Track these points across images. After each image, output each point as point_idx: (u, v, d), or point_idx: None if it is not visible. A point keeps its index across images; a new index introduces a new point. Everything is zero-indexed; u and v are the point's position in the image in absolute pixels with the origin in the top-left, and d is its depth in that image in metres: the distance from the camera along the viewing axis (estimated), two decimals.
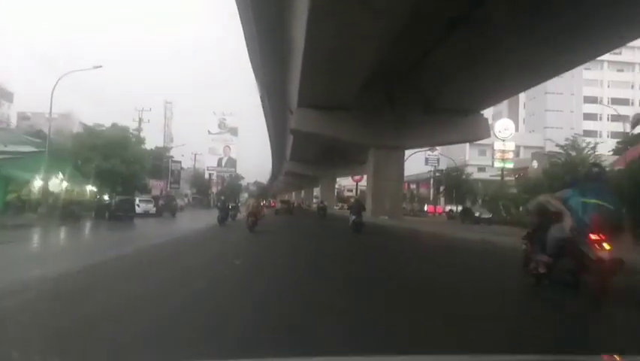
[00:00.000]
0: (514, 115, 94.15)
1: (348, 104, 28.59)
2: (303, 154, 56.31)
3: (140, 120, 43.20)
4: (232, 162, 77.27)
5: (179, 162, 61.85)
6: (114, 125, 33.14)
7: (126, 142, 32.16)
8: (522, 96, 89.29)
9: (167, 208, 31.36)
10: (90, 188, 28.48)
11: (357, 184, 75.12)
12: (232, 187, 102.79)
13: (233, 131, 76.59)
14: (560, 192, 6.35)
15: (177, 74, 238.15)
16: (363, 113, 29.43)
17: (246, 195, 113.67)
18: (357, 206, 20.37)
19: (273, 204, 64.56)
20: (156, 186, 45.12)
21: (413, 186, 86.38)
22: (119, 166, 28.84)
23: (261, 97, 44.80)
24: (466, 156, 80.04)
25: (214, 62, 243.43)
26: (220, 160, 76.50)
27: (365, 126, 30.06)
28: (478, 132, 33.87)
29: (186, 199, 63.49)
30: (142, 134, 41.08)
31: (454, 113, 30.90)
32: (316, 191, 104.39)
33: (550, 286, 6.27)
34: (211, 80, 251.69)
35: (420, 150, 47.81)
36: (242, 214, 24.18)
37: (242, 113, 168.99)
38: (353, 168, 61.61)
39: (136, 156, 32.85)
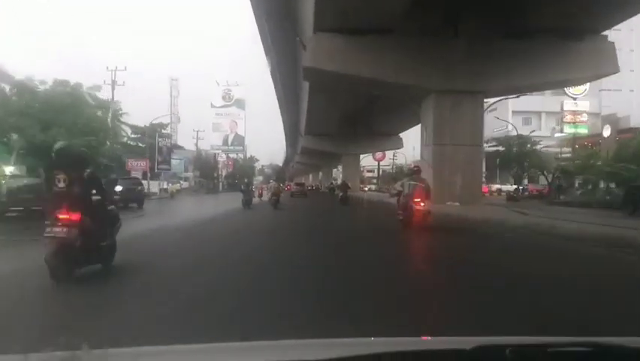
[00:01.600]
0: None
1: (391, 26, 19.95)
2: (321, 125, 47.59)
3: (114, 83, 34.00)
4: (240, 140, 67.99)
5: (169, 136, 52.78)
6: (57, 81, 23.76)
7: (77, 105, 22.96)
8: None
9: (129, 197, 21.99)
10: (12, 168, 19.64)
11: (378, 164, 65.64)
12: (245, 170, 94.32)
13: (240, 104, 67.11)
14: (403, 180, 16.09)
15: (175, 41, 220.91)
16: (415, 41, 20.45)
17: (260, 178, 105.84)
18: (344, 185, 30.01)
19: (289, 188, 55.93)
20: (137, 167, 36.17)
21: None
22: (63, 138, 19.57)
23: (268, 60, 35.88)
24: (508, 124, 69.32)
25: (216, 25, 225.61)
26: (226, 138, 67.36)
27: (418, 61, 20.50)
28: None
29: (183, 183, 54.65)
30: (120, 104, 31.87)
31: (558, 35, 21.15)
32: (335, 173, 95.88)
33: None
34: (213, 46, 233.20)
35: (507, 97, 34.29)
36: (256, 198, 24.82)
37: (250, 86, 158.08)
38: (381, 142, 52.23)
39: (92, 125, 23.69)
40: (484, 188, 52.18)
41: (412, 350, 1.07)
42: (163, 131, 57.67)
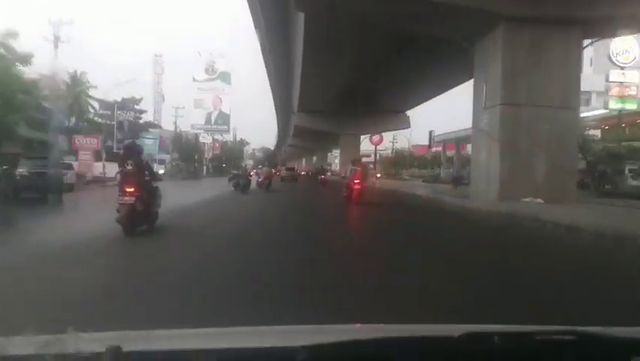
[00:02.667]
0: None
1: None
2: (316, 101, 41.52)
3: (57, 40, 26.73)
4: (224, 118, 60.64)
5: (133, 110, 45.56)
6: None
7: None
8: None
9: (39, 187, 15.16)
10: None
11: (376, 148, 59.59)
12: (233, 153, 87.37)
13: (225, 78, 59.67)
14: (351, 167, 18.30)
15: (155, 8, 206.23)
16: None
17: (250, 162, 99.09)
18: (322, 170, 41.06)
19: (279, 173, 49.59)
20: (86, 146, 29.19)
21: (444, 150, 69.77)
22: None
23: (256, 27, 29.30)
24: None
25: None
26: (209, 116, 60.01)
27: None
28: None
29: (156, 166, 47.81)
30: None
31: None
32: (330, 158, 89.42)
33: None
34: (195, 12, 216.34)
35: None
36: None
37: (236, 58, 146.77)
38: (385, 121, 45.68)
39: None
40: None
41: (399, 337, 1.05)
42: (136, 106, 50.57)
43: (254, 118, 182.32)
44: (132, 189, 7.84)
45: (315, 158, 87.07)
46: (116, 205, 7.92)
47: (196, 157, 57.61)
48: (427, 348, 1.02)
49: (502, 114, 13.74)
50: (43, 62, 24.38)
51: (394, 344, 0.99)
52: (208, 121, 59.60)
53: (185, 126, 59.39)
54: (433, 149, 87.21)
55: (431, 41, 21.87)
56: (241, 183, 22.53)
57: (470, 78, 36.67)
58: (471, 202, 13.69)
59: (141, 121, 52.76)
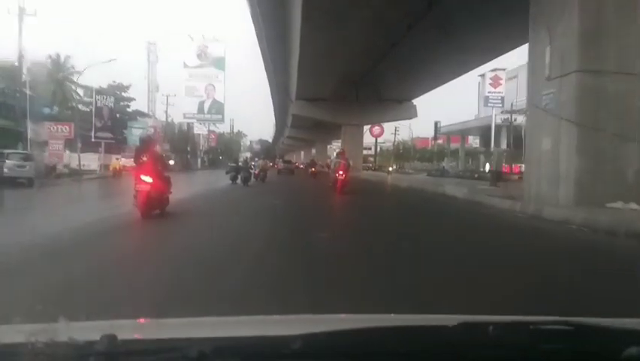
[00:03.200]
0: None
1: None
2: (316, 88, 38.61)
3: (21, 11, 23.34)
4: (218, 107, 57.09)
5: (120, 98, 42.33)
6: None
7: None
8: None
9: None
10: None
11: (376, 140, 56.71)
12: (230, 145, 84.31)
13: (219, 64, 56.10)
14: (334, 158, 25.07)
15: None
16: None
17: (247, 154, 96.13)
18: (312, 163, 41.75)
19: (276, 166, 47.01)
20: (57, 134, 25.94)
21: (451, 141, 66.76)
22: None
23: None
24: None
25: None
26: (202, 104, 56.43)
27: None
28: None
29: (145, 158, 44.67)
30: None
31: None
32: (329, 150, 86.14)
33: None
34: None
35: None
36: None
37: (230, 42, 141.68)
38: (390, 110, 42.76)
39: None
40: (515, 168, 42.86)
41: (392, 326, 1.07)
42: (123, 94, 47.32)
43: (251, 109, 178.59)
44: (148, 178, 8.70)
45: (314, 150, 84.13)
46: (133, 193, 8.99)
47: (189, 148, 54.34)
48: (422, 338, 1.01)
49: (579, 86, 10.09)
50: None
51: (390, 333, 1.00)
52: (201, 110, 56.08)
53: (177, 116, 56.15)
54: (436, 142, 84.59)
55: (445, 15, 19.84)
56: (242, 176, 22.66)
57: (490, 59, 33.63)
58: (539, 210, 9.90)
59: (130, 109, 49.54)
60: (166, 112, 51.74)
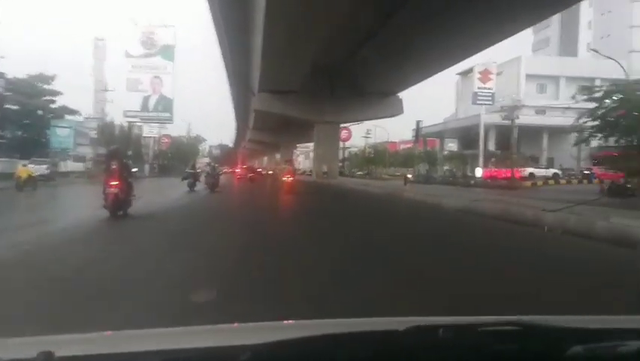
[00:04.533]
0: (570, 39, 68.81)
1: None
2: (283, 79, 31.80)
3: None
4: (166, 104, 48.56)
5: (55, 94, 34.14)
6: None
7: None
8: (585, 11, 63.76)
9: None
10: None
11: (343, 144, 50.79)
12: (185, 149, 75.85)
13: (167, 53, 47.79)
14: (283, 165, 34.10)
15: None
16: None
17: (206, 160, 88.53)
18: (252, 168, 40.29)
19: (235, 172, 40.00)
20: None
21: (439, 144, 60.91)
22: None
23: None
24: (519, 92, 53.74)
25: None
26: (146, 100, 47.98)
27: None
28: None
29: (69, 163, 36.07)
30: None
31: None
32: (296, 155, 79.31)
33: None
34: None
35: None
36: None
37: (183, 29, 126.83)
38: (372, 105, 36.42)
39: None
40: (516, 172, 36.97)
41: (342, 333, 1.04)
42: (46, 86, 38.73)
43: (212, 112, 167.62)
44: (116, 183, 10.04)
45: (278, 155, 76.97)
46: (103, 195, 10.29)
47: (130, 152, 45.79)
48: (373, 343, 1.00)
49: None
50: None
51: (340, 340, 0.98)
52: (145, 107, 47.58)
53: (117, 114, 47.73)
54: (406, 145, 78.64)
55: None
56: (209, 182, 22.03)
57: (489, 45, 27.82)
58: None
59: (55, 105, 40.87)
60: (102, 111, 43.15)
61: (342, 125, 39.31)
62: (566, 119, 49.74)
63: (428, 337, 1.01)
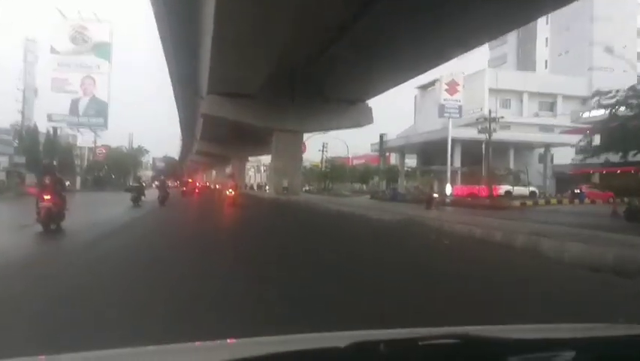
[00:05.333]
0: (527, 56, 68.33)
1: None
2: (235, 81, 27.70)
3: None
4: (100, 108, 42.01)
5: None
6: None
7: None
8: (542, 28, 63.37)
9: None
10: None
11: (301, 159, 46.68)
12: (122, 161, 69.09)
13: (102, 50, 41.49)
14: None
15: None
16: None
17: (149, 173, 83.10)
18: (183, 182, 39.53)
19: (179, 186, 35.27)
20: None
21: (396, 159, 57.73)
22: None
23: None
24: (484, 106, 51.86)
25: None
26: (75, 103, 41.46)
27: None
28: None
29: None
30: None
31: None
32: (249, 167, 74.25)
33: None
34: None
35: None
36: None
37: (122, 25, 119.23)
38: (338, 112, 32.46)
39: None
40: (495, 189, 34.08)
41: (286, 352, 1.04)
42: None
43: (156, 122, 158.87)
44: (49, 197, 10.00)
45: (228, 169, 71.63)
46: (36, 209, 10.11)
47: (55, 163, 39.33)
48: None
49: None
50: None
51: (285, 359, 0.98)
52: (74, 111, 40.98)
53: (40, 119, 41.12)
54: (360, 161, 75.44)
55: None
56: (160, 195, 22.01)
57: (455, 55, 25.47)
58: None
59: None
60: (22, 113, 36.67)
61: (305, 134, 34.86)
62: (529, 135, 48.53)
63: (369, 354, 1.00)
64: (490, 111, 34.32)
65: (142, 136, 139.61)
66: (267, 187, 43.61)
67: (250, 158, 71.17)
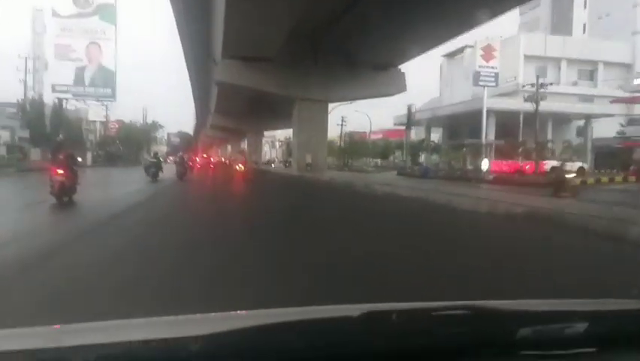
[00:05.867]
0: (563, 19, 63.51)
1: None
2: (253, 42, 24.45)
3: None
4: (106, 77, 38.80)
5: None
6: None
7: None
8: None
9: None
10: None
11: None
12: (134, 135, 66.83)
13: (107, 14, 38.10)
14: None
15: None
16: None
17: (163, 148, 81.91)
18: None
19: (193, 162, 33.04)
20: None
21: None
22: None
23: None
24: (518, 74, 48.07)
25: None
26: (80, 72, 38.51)
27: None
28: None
29: None
30: None
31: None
32: (267, 146, 71.47)
33: None
34: None
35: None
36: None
37: None
38: (368, 80, 29.11)
39: None
40: (541, 165, 30.94)
41: (294, 320, 1.03)
42: None
43: (168, 92, 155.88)
44: (62, 171, 10.58)
45: (243, 144, 69.08)
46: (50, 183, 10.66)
47: (60, 137, 36.72)
48: (325, 331, 0.99)
49: None
50: None
51: (293, 328, 0.98)
52: (80, 80, 38.07)
53: (45, 90, 38.48)
54: (376, 136, 71.80)
55: None
56: (178, 170, 22.55)
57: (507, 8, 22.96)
58: None
59: None
60: (24, 83, 33.98)
61: (331, 104, 31.69)
62: (571, 106, 44.71)
63: (382, 323, 1.00)
64: (537, 77, 30.69)
65: (156, 110, 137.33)
66: (284, 162, 41.20)
67: (265, 133, 68.44)
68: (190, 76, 44.31)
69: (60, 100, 37.08)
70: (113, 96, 38.55)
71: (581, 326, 1.04)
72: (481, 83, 39.21)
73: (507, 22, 65.55)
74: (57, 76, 36.64)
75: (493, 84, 39.77)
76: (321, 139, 28.92)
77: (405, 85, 30.08)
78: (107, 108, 63.25)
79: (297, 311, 1.24)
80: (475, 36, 37.00)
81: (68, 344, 0.89)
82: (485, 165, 35.40)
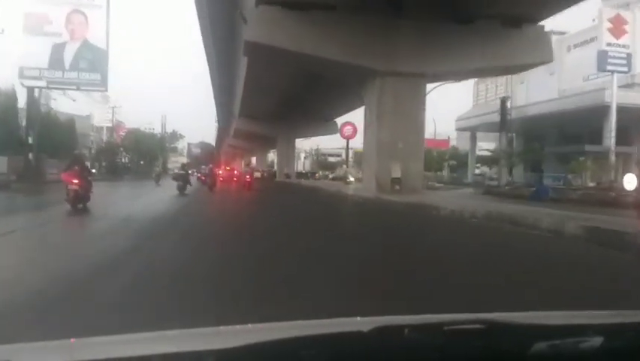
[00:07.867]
0: None
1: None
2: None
3: None
4: (95, 58, 27.84)
5: None
6: None
7: None
8: None
9: None
10: None
11: (347, 142, 34.75)
12: (144, 142, 57.98)
13: None
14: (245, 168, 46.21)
15: None
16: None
17: (183, 159, 75.11)
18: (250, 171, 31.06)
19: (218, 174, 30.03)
20: None
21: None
22: None
23: None
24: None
25: None
26: (59, 50, 27.74)
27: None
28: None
29: None
30: None
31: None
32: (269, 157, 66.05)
33: None
34: None
35: None
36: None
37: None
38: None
39: None
40: None
41: (306, 335, 1.02)
42: None
43: (189, 105, 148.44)
44: (77, 181, 11.66)
45: (254, 159, 73.31)
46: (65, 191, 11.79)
47: (30, 141, 26.30)
48: (337, 346, 0.99)
49: None
50: None
51: (305, 343, 0.97)
52: (57, 63, 27.57)
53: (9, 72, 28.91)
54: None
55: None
56: (208, 183, 24.00)
57: None
58: None
59: None
60: None
61: (428, 83, 20.65)
62: None
63: (393, 338, 1.00)
64: None
65: (178, 122, 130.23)
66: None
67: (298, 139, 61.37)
68: (210, 67, 35.77)
69: (31, 90, 27.37)
70: (103, 84, 28.42)
71: (597, 340, 1.02)
72: (609, 68, 28.18)
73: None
74: (27, 57, 26.91)
75: (625, 69, 28.74)
76: (414, 139, 18.02)
77: (550, 52, 19.32)
78: (113, 112, 54.00)
79: (309, 325, 1.21)
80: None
81: (82, 358, 0.88)
82: (633, 182, 24.14)
